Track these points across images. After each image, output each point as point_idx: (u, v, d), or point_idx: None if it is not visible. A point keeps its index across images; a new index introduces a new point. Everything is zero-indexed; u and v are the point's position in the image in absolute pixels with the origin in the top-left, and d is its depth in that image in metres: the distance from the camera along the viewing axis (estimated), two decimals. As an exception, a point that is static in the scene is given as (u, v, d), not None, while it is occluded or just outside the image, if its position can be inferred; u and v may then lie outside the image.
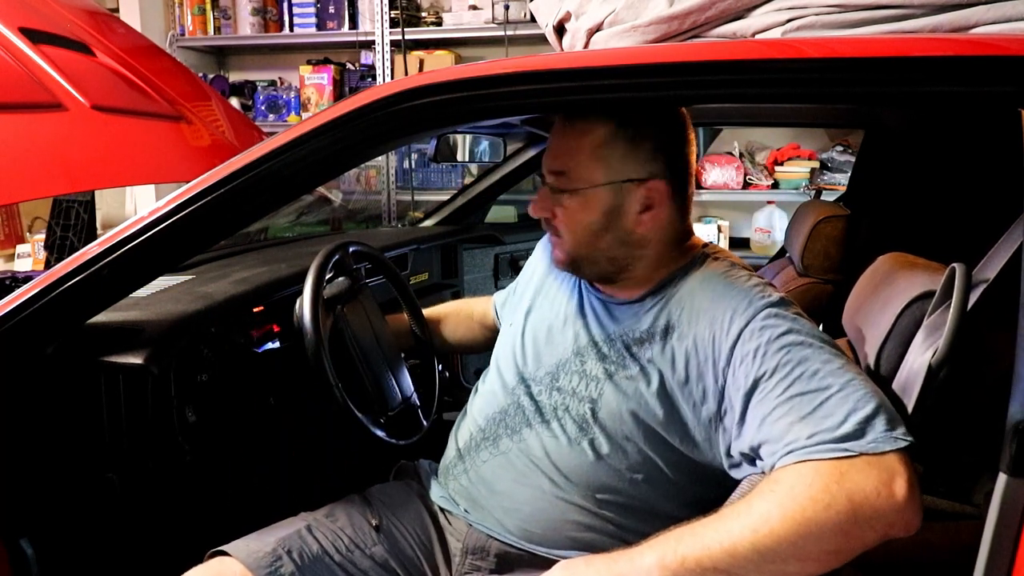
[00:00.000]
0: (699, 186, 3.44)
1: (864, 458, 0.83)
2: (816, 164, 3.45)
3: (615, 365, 1.08)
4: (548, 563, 0.98)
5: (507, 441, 1.14)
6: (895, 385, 0.96)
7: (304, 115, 3.85)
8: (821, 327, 1.00)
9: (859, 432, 0.85)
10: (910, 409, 0.89)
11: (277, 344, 1.51)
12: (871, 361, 1.02)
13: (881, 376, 1.00)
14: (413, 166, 3.73)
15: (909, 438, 0.85)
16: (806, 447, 0.86)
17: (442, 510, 1.23)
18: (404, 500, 1.25)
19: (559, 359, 1.14)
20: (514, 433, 1.14)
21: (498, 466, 1.14)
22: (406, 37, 3.53)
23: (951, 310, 0.85)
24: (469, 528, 1.16)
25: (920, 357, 0.89)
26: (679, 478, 1.06)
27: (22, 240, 3.25)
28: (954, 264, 0.89)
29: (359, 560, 1.14)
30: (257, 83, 4.06)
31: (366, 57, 3.77)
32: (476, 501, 1.16)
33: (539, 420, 1.12)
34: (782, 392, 0.91)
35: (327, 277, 1.37)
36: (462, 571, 1.16)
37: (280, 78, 4.10)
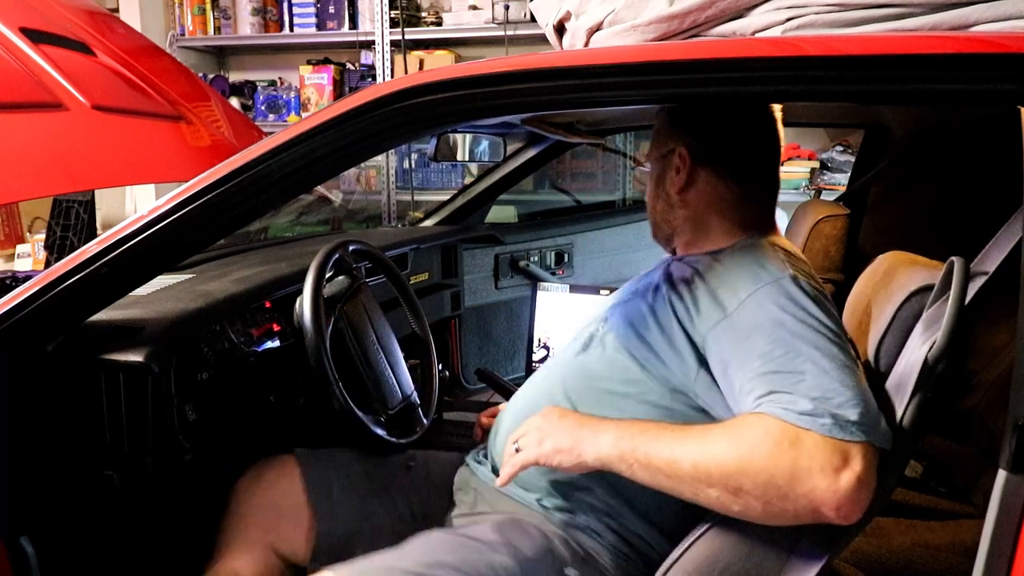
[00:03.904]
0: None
1: (824, 437, 0.85)
2: (816, 164, 3.45)
3: (638, 296, 1.14)
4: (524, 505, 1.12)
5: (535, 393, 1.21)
6: (892, 378, 0.96)
7: (304, 115, 3.84)
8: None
9: (830, 414, 0.86)
10: (906, 402, 0.88)
11: (277, 343, 1.51)
12: (870, 356, 1.02)
13: (880, 371, 1.00)
14: (413, 166, 3.73)
15: (880, 438, 0.86)
16: (777, 405, 0.89)
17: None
18: (443, 459, 1.35)
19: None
20: (543, 380, 1.21)
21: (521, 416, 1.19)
22: (406, 37, 3.53)
23: (949, 303, 0.85)
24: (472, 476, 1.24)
25: (918, 351, 0.89)
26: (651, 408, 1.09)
27: (22, 240, 3.25)
28: (953, 257, 0.89)
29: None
30: (257, 83, 4.06)
31: (366, 57, 3.77)
32: (494, 453, 1.23)
33: (574, 352, 1.18)
34: (767, 362, 0.93)
35: (327, 276, 1.37)
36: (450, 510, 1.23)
37: (280, 78, 4.10)
